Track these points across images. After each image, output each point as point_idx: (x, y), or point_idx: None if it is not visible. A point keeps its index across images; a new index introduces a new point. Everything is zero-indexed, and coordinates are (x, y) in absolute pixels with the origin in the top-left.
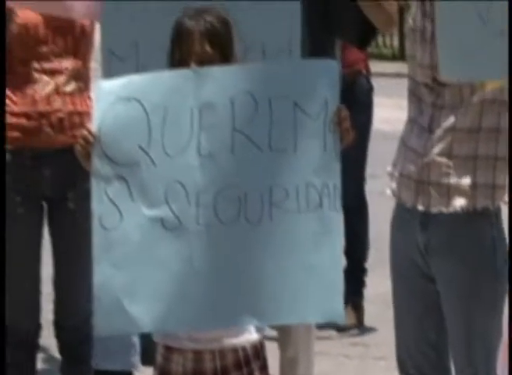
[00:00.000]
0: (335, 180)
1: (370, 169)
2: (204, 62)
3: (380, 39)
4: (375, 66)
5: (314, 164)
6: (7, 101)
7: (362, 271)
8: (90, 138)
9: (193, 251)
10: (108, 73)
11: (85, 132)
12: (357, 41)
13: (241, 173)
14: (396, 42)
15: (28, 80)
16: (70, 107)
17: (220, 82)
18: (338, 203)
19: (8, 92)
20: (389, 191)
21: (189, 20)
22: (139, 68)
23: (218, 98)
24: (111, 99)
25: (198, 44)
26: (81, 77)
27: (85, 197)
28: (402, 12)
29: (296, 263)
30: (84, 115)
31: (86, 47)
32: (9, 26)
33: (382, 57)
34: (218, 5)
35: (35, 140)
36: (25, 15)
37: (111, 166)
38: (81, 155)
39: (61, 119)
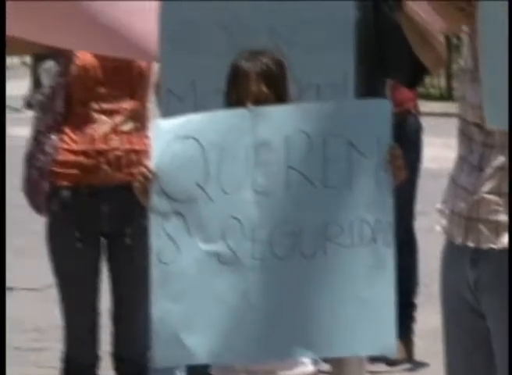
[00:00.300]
0: (388, 216)
1: (419, 206)
2: (259, 101)
3: (428, 79)
4: (423, 106)
5: (367, 200)
6: (67, 140)
7: (412, 306)
8: (149, 175)
9: (248, 285)
10: (167, 112)
11: (144, 169)
12: (407, 80)
13: (296, 209)
14: (443, 82)
15: (87, 120)
16: (127, 145)
17: (275, 121)
18: (391, 238)
19: (68, 131)
20: (438, 228)
21: (245, 62)
22: (197, 107)
23: (273, 136)
24: (169, 137)
25: (254, 85)
26: (138, 117)
27: (142, 233)
28: (448, 53)
29: (349, 297)
30: (141, 153)
31: (143, 87)
32: (69, 68)
33: (429, 97)
34: (274, 47)
35: (93, 177)
36: (84, 57)
37: (168, 202)
38: (140, 191)
39: (118, 157)
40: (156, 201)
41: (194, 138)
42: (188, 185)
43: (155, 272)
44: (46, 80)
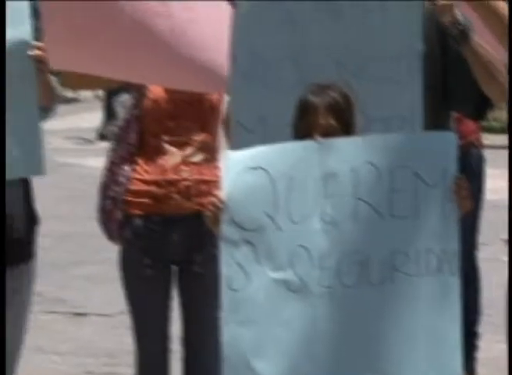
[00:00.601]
0: (453, 246)
1: (481, 236)
2: (327, 134)
3: (490, 113)
4: (485, 139)
5: (433, 230)
6: (140, 170)
7: (475, 335)
8: (220, 205)
9: (316, 312)
10: (237, 144)
11: (215, 199)
12: (473, 113)
13: (363, 239)
14: (504, 116)
15: (159, 152)
16: (197, 176)
17: (343, 153)
18: (456, 268)
19: (140, 162)
20: (505, 258)
21: (314, 96)
22: (266, 140)
23: (341, 167)
24: (239, 168)
25: (322, 118)
26: (208, 148)
27: (211, 260)
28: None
29: (416, 325)
30: (211, 183)
31: (214, 120)
32: (142, 101)
33: (491, 130)
34: (341, 81)
35: (164, 206)
36: (156, 90)
37: (238, 231)
38: (211, 220)
39: (188, 187)
40: (226, 229)
41: (264, 169)
42: (257, 214)
43: (226, 298)
44: (120, 113)
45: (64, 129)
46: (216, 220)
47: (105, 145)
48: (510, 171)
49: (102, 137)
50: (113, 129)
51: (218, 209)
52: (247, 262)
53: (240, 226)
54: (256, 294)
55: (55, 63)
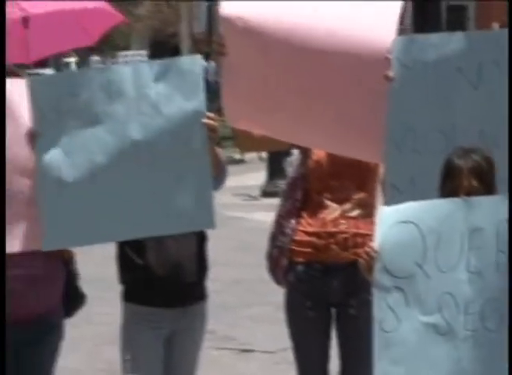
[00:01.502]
0: None
1: None
2: (470, 194)
3: None
4: None
5: None
6: (303, 223)
7: None
8: (374, 255)
9: (461, 353)
10: (389, 203)
11: (369, 250)
12: None
13: (503, 287)
14: None
15: (321, 207)
16: (354, 229)
17: (486, 210)
18: None
19: (304, 215)
20: None
21: (458, 159)
22: (415, 199)
23: (485, 223)
24: (391, 222)
25: (466, 180)
26: (365, 205)
27: (365, 305)
28: None
29: None
30: (366, 236)
31: (371, 180)
32: (307, 162)
33: None
34: (483, 146)
35: (324, 255)
36: (319, 153)
37: (390, 278)
38: (365, 268)
39: (346, 239)
40: (379, 277)
41: (414, 223)
42: (408, 264)
43: (378, 339)
44: (288, 172)
45: (232, 186)
46: (370, 268)
47: (268, 201)
48: (510, 173)
49: (265, 194)
50: (281, 186)
51: (371, 259)
52: (398, 306)
53: (391, 274)
54: (406, 335)
55: (232, 121)
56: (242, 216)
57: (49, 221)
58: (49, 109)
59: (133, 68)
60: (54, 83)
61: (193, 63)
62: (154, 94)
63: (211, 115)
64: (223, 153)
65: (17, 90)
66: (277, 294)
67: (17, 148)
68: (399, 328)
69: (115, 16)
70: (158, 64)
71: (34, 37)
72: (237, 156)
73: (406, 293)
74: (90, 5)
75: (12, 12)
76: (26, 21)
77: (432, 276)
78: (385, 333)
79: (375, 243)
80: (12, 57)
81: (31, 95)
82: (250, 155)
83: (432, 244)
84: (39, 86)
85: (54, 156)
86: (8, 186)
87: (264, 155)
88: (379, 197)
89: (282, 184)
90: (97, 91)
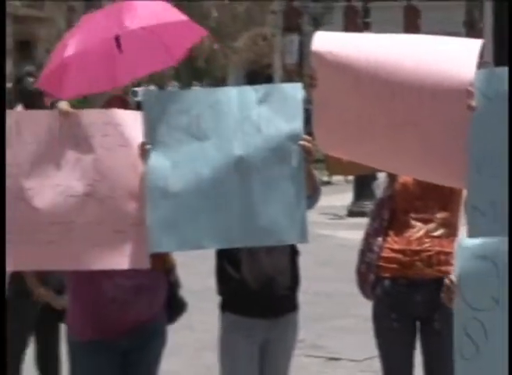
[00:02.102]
0: None
1: None
2: None
3: None
4: None
5: None
6: (390, 241)
7: None
8: (452, 287)
9: None
10: (472, 224)
11: (448, 282)
12: None
13: None
14: None
15: (406, 226)
16: (438, 248)
17: None
18: None
19: (391, 234)
20: None
21: None
22: (495, 221)
23: None
24: (469, 256)
25: None
26: (449, 224)
27: (448, 319)
28: None
29: None
30: (449, 254)
31: (454, 202)
32: (394, 184)
33: None
34: None
35: (409, 271)
36: (405, 176)
37: (468, 308)
38: (445, 298)
39: (430, 257)
40: (458, 305)
41: (491, 259)
42: (484, 297)
43: (457, 365)
44: (376, 193)
45: (320, 206)
46: (450, 299)
47: (354, 220)
48: (510, 177)
49: (351, 213)
50: (366, 206)
51: (451, 291)
52: (476, 336)
53: (469, 305)
54: (485, 363)
55: (322, 148)
56: (329, 233)
57: (155, 226)
58: (160, 123)
59: (239, 90)
60: (167, 99)
61: (295, 90)
62: (256, 115)
63: (308, 138)
64: (317, 174)
65: (131, 118)
66: (363, 307)
67: (129, 174)
68: (478, 356)
69: (196, 32)
70: (262, 88)
71: (123, 60)
72: (325, 178)
73: (483, 324)
74: (169, 17)
75: (104, 27)
76: (118, 40)
77: (507, 310)
78: (464, 360)
79: (454, 275)
80: (99, 82)
81: (145, 109)
82: (337, 178)
83: (508, 281)
84: (153, 101)
85: (162, 167)
86: (119, 208)
87: (350, 177)
88: (462, 217)
89: (366, 205)
90: (206, 109)
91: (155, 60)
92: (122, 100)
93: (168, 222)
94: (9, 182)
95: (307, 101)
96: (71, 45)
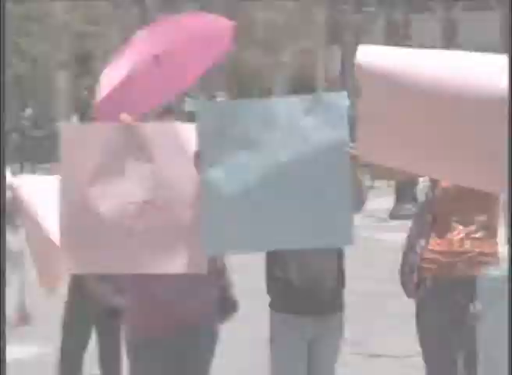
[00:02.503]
0: None
1: None
2: None
3: None
4: None
5: None
6: (432, 243)
7: None
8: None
9: None
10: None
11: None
12: None
13: None
14: None
15: (447, 228)
16: (478, 249)
17: None
18: None
19: (433, 236)
20: None
21: None
22: None
23: None
24: None
25: None
26: (488, 227)
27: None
28: None
29: None
30: (489, 255)
31: (493, 205)
32: (435, 189)
33: None
34: None
35: (450, 272)
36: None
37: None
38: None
39: (470, 258)
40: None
41: None
42: None
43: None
44: (419, 197)
45: (364, 209)
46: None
47: (395, 223)
48: (510, 181)
49: (393, 216)
50: (407, 209)
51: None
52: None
53: None
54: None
55: (365, 156)
56: (372, 235)
57: (209, 230)
58: (214, 134)
59: (286, 101)
60: (219, 110)
61: (340, 98)
62: (303, 125)
63: (353, 145)
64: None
65: (186, 129)
66: (403, 307)
67: (185, 183)
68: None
69: (224, 41)
70: (308, 99)
71: (164, 77)
72: (368, 183)
73: None
74: (203, 28)
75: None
76: (157, 59)
77: None
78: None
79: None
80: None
81: (199, 121)
82: (379, 182)
83: None
84: (207, 113)
85: (215, 174)
86: (176, 215)
87: (391, 182)
88: (501, 219)
89: (407, 208)
90: (256, 120)
91: (190, 74)
92: (169, 112)
93: (221, 226)
94: (73, 193)
95: (350, 109)
96: (122, 66)
